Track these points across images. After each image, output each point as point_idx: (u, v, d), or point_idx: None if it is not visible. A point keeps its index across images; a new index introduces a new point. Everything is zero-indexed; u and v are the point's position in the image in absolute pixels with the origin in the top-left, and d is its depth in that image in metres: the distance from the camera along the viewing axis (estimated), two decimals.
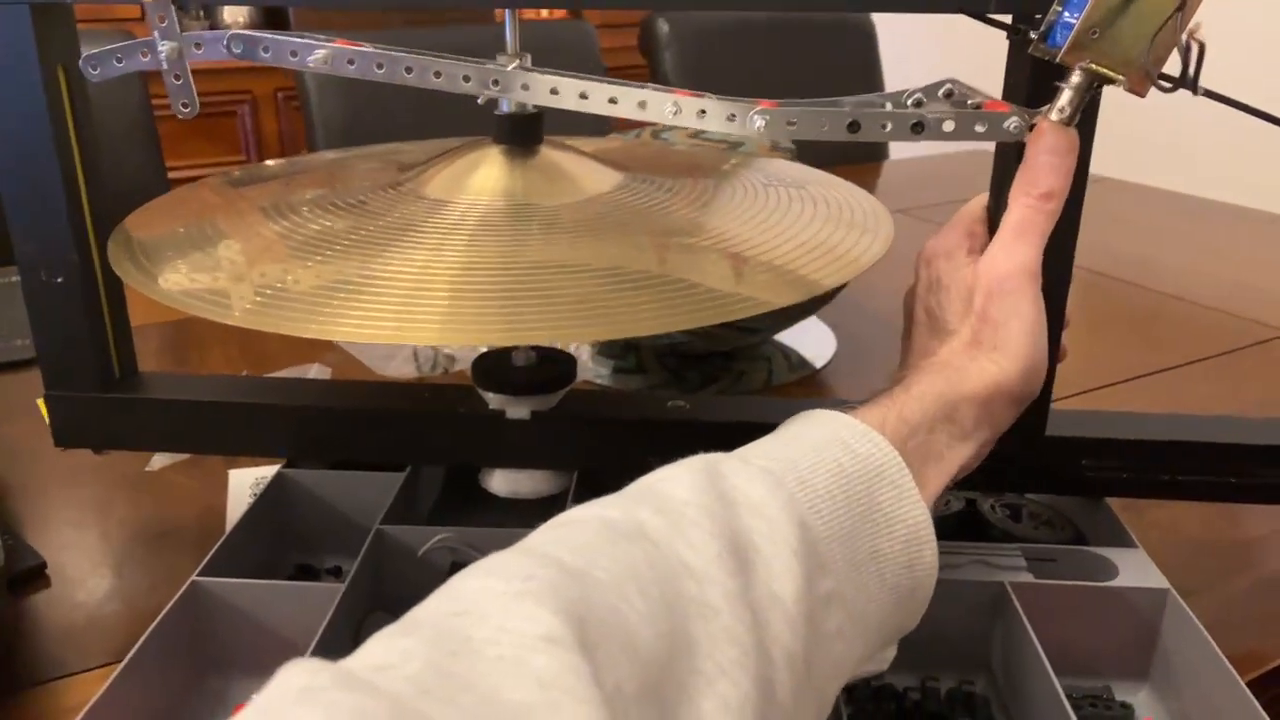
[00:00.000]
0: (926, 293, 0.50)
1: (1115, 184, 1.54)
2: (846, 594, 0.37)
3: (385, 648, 0.28)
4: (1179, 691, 0.50)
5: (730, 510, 0.36)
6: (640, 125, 1.04)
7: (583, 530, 0.35)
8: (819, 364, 0.91)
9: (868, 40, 1.89)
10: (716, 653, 0.32)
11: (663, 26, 1.72)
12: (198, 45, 0.47)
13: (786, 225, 0.53)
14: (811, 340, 0.95)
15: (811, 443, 0.41)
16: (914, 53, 2.06)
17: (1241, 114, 0.44)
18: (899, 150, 1.92)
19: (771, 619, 0.34)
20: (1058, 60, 0.42)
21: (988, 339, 0.45)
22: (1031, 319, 0.45)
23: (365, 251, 0.48)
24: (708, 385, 0.87)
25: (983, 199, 0.52)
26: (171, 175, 1.43)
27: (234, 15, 2.37)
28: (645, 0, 0.49)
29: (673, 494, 0.37)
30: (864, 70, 1.88)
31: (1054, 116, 0.44)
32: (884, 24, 1.91)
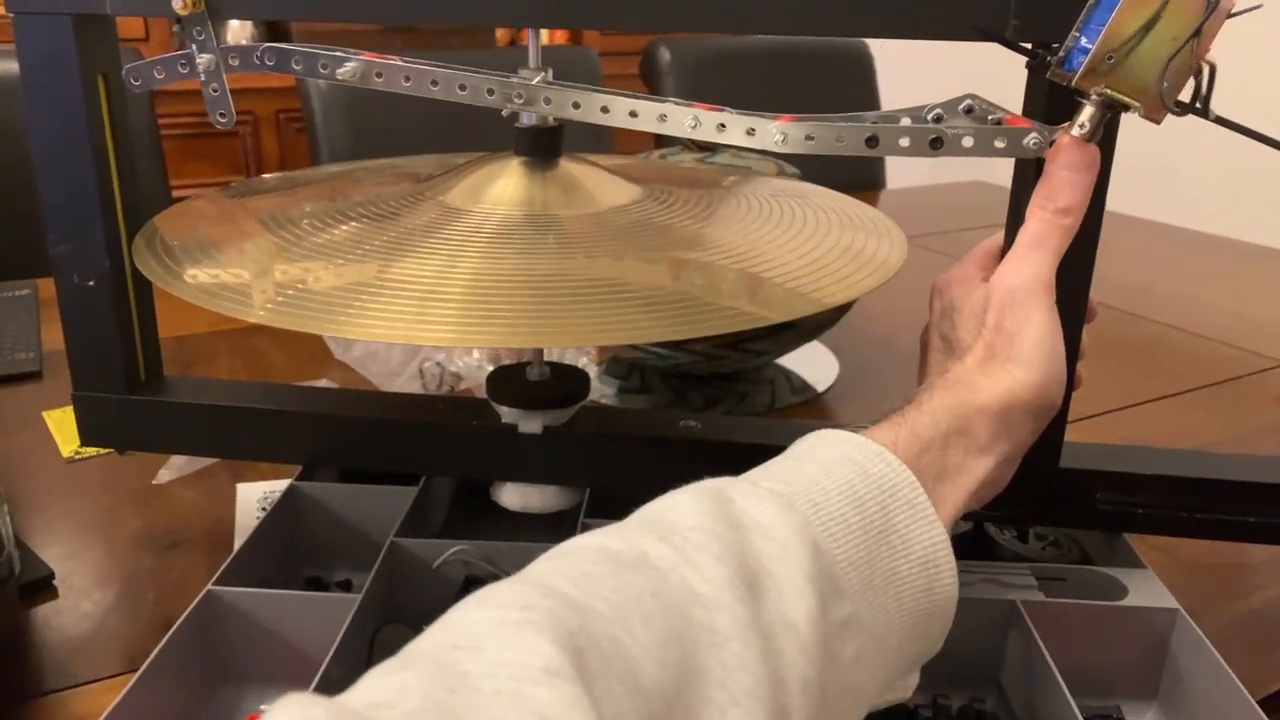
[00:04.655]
0: (940, 320, 0.50)
1: (1114, 216, 1.56)
2: (864, 619, 0.36)
3: (383, 683, 0.28)
4: (1188, 711, 0.50)
5: (739, 534, 0.35)
6: (648, 149, 1.05)
7: (582, 560, 0.34)
8: (821, 388, 0.92)
9: (866, 68, 1.91)
10: (729, 682, 0.31)
11: (664, 54, 1.73)
12: (233, 58, 0.47)
13: (801, 240, 0.54)
14: (814, 364, 0.96)
15: (822, 464, 0.40)
16: (911, 81, 2.08)
17: (1239, 149, 0.45)
18: (896, 179, 1.94)
19: (785, 646, 0.33)
20: (1072, 85, 0.43)
21: (1002, 350, 0.44)
22: (1045, 327, 0.44)
23: (384, 255, 0.48)
24: (711, 406, 0.87)
25: (997, 238, 0.52)
26: (174, 194, 1.44)
27: (236, 36, 2.38)
28: (662, 23, 0.50)
29: (678, 520, 0.36)
30: (862, 98, 1.90)
31: (1074, 133, 0.44)
32: (881, 53, 1.93)
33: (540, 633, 0.29)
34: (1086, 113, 0.43)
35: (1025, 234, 0.46)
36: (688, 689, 0.31)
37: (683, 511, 0.36)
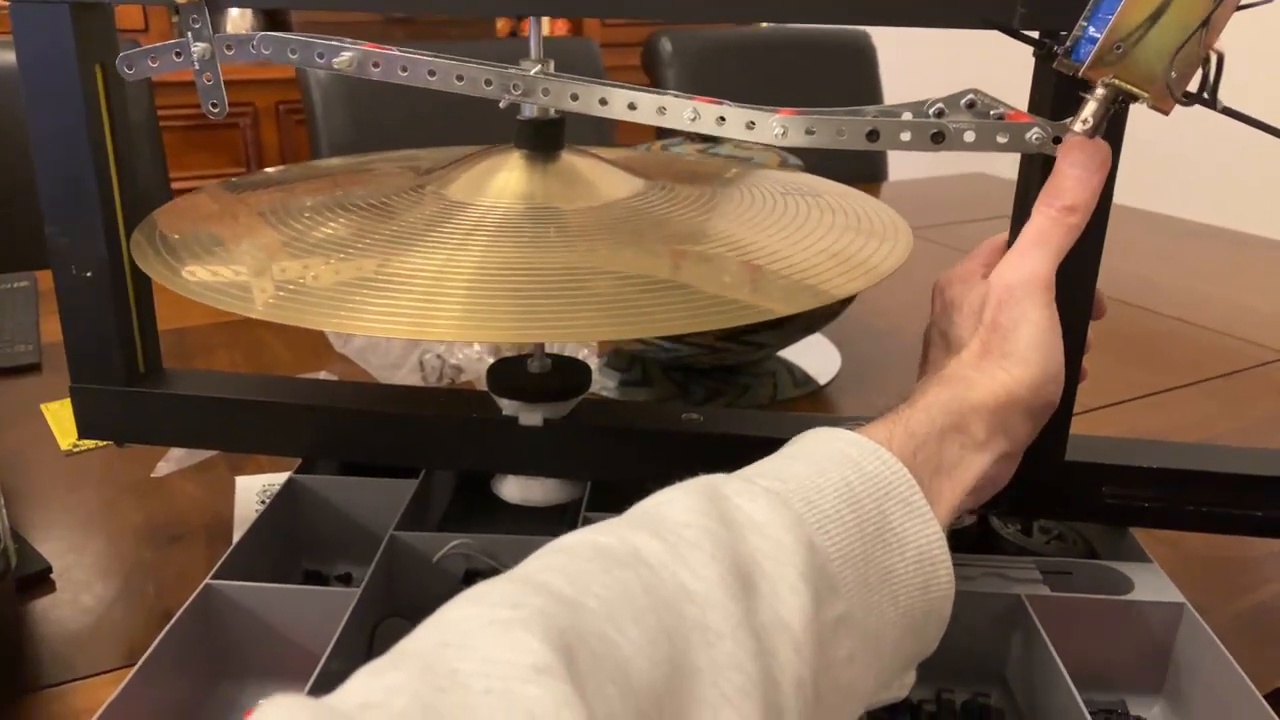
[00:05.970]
0: (941, 318, 0.50)
1: (1116, 208, 1.55)
2: (858, 617, 0.36)
3: (371, 684, 0.27)
4: (1194, 706, 0.50)
5: (733, 532, 0.35)
6: (650, 140, 1.04)
7: (575, 557, 0.33)
8: (823, 380, 0.91)
9: (868, 60, 1.90)
10: (720, 680, 0.31)
11: (666, 45, 1.73)
12: (229, 47, 0.47)
13: (806, 233, 0.53)
14: (816, 356, 0.95)
15: (817, 461, 0.39)
16: (914, 72, 2.07)
17: (1242, 140, 0.44)
18: (898, 171, 1.93)
19: (778, 644, 0.33)
20: (1080, 75, 0.42)
21: (997, 347, 0.44)
22: (1043, 325, 0.43)
23: (385, 250, 0.48)
24: (713, 399, 0.87)
25: (1000, 237, 0.51)
26: (173, 186, 1.43)
27: (236, 26, 2.37)
28: (664, 12, 0.49)
29: (671, 517, 0.35)
30: (865, 89, 1.89)
31: (1077, 127, 0.43)
32: (884, 45, 1.93)
33: (530, 631, 0.29)
34: (1090, 108, 0.43)
35: (1029, 230, 0.45)
36: (679, 687, 0.30)
37: (676, 507, 0.36)
